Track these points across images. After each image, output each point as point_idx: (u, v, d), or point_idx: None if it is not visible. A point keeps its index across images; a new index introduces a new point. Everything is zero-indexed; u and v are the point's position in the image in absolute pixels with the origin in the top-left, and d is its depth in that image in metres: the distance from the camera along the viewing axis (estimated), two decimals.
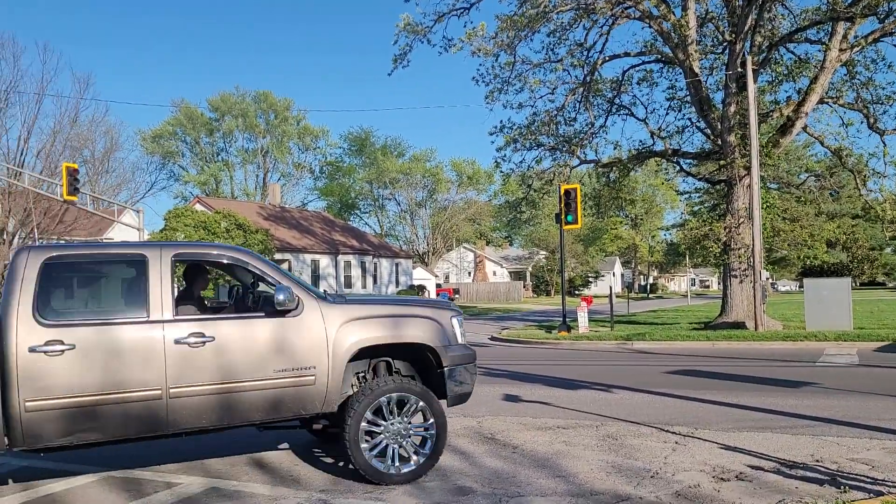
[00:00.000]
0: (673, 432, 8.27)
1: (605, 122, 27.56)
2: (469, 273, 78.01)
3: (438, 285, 67.37)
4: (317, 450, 7.93)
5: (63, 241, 35.89)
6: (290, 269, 43.33)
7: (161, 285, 5.98)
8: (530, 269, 76.31)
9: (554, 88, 26.49)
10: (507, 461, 7.23)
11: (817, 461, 6.88)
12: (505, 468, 6.98)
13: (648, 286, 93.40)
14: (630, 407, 10.05)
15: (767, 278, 21.11)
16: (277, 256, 40.05)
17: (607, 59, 25.98)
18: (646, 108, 27.89)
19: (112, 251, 6.76)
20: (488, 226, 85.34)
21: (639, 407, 10.03)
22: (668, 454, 7.31)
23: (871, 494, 5.65)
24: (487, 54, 25.10)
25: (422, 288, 59.59)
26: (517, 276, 77.41)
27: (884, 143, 25.57)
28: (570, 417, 9.32)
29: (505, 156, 28.44)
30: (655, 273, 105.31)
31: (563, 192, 23.00)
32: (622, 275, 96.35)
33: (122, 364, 5.67)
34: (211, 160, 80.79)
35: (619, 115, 27.97)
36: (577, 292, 68.85)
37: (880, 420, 8.64)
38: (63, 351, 5.49)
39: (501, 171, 30.75)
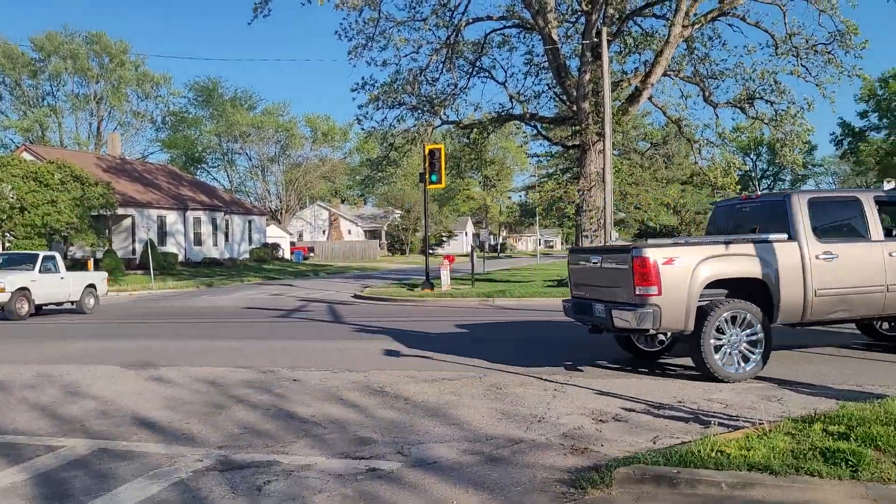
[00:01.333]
0: (551, 381, 8.83)
1: (467, 83, 28.11)
2: (324, 231, 77.13)
3: (293, 243, 66.18)
4: (210, 410, 7.75)
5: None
6: (133, 224, 40.91)
7: (873, 217, 9.22)
8: (385, 227, 76.63)
9: (418, 48, 26.60)
10: (402, 412, 7.45)
11: (680, 402, 7.63)
12: (401, 418, 7.20)
13: (498, 246, 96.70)
14: (506, 357, 10.57)
15: (617, 238, 22.68)
16: (120, 211, 37.61)
17: (471, 21, 26.35)
18: (505, 72, 28.73)
19: (841, 195, 10.10)
20: (343, 184, 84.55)
21: (514, 358, 10.56)
22: (549, 401, 7.82)
23: (730, 429, 6.38)
24: (353, 8, 24.68)
25: (275, 246, 58.28)
26: (372, 234, 77.52)
27: (716, 115, 27.92)
28: (453, 370, 9.69)
29: (367, 113, 28.35)
30: (505, 233, 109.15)
31: (427, 151, 23.28)
32: (475, 234, 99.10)
33: (862, 268, 9.01)
34: (35, 105, 73.49)
35: (479, 78, 28.59)
36: (431, 251, 70.10)
37: None
38: (832, 259, 8.80)
39: (363, 129, 30.60)
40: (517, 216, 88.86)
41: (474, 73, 27.82)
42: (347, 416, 7.35)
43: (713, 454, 5.34)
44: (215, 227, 48.27)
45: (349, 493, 5.16)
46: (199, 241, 46.44)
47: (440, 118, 27.69)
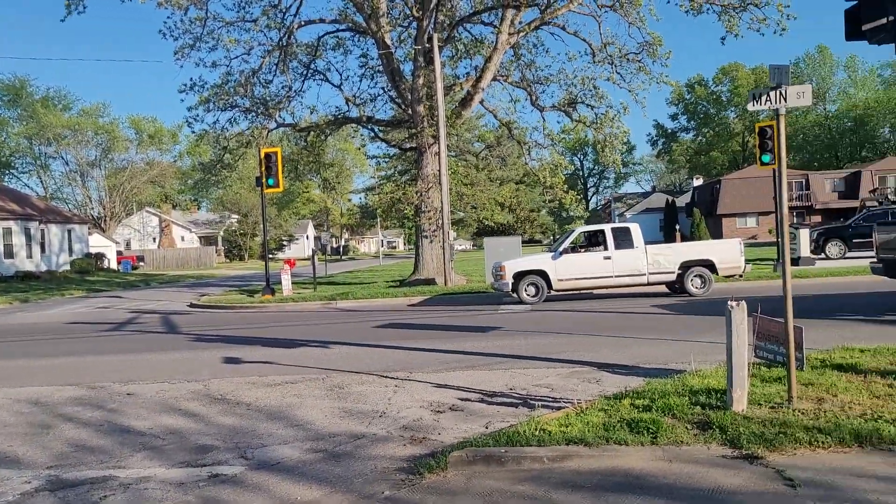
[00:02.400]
0: (392, 378, 9.14)
1: (302, 86, 27.90)
2: (154, 239, 73.10)
3: (120, 252, 62.22)
4: (36, 430, 7.33)
5: None
6: None
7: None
8: (222, 233, 73.88)
9: (249, 49, 26.06)
10: (243, 417, 7.46)
11: (511, 389, 8.21)
12: (242, 424, 7.21)
13: (341, 248, 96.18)
14: (349, 359, 10.77)
15: (455, 238, 23.47)
16: None
17: (303, 23, 26.19)
18: (340, 75, 28.73)
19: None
20: (174, 188, 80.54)
21: (357, 358, 10.79)
22: (390, 396, 8.13)
23: (554, 409, 6.99)
24: (178, 7, 23.76)
25: (100, 256, 54.59)
26: (208, 241, 74.41)
27: (543, 118, 29.54)
28: (296, 373, 9.74)
29: (197, 116, 27.37)
30: (347, 235, 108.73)
31: (263, 155, 22.85)
32: (316, 238, 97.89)
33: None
34: None
35: (314, 80, 28.45)
36: (271, 256, 68.45)
37: (554, 353, 10.42)
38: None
39: (193, 132, 29.45)
40: (358, 218, 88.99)
41: (309, 75, 27.67)
42: (187, 425, 7.26)
43: (537, 433, 5.87)
44: (29, 238, 44.35)
45: (191, 499, 5.18)
46: (9, 253, 42.49)
47: (275, 121, 27.30)
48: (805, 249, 24.88)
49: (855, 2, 6.96)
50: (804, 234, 25.29)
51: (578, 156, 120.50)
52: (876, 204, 45.18)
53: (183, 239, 73.42)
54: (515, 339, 12.06)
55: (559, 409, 6.98)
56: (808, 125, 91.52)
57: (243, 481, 5.53)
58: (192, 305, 23.50)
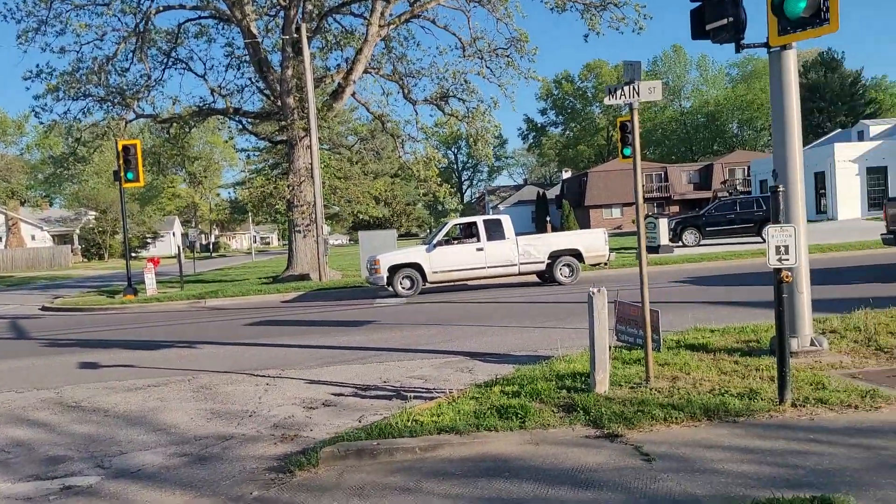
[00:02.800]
0: (263, 376, 8.90)
1: (163, 75, 26.58)
2: (0, 238, 67.43)
3: None
4: None
5: None
6: None
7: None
8: (78, 231, 69.18)
9: (103, 35, 24.51)
10: (101, 425, 7.03)
11: (385, 382, 8.19)
12: (100, 431, 6.79)
13: (211, 245, 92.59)
14: (217, 359, 10.38)
15: (329, 233, 23.09)
16: None
17: (161, 9, 24.87)
18: (204, 65, 27.68)
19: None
20: (22, 184, 74.54)
21: (226, 358, 10.42)
22: (261, 395, 7.91)
23: (427, 400, 7.04)
24: None
25: None
26: (63, 239, 69.50)
27: (416, 111, 29.64)
28: (160, 376, 9.28)
29: (46, 105, 25.48)
30: (217, 231, 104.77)
31: (121, 147, 21.57)
32: (184, 234, 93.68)
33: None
34: None
35: (176, 69, 27.18)
36: (134, 254, 64.86)
37: (428, 344, 10.49)
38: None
39: (41, 122, 27.39)
40: (228, 213, 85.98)
41: (170, 64, 26.37)
42: (37, 436, 6.75)
43: (409, 424, 5.88)
44: None
45: None
46: None
47: (134, 111, 25.84)
48: (664, 238, 26.35)
49: (700, 2, 7.41)
50: (663, 224, 26.77)
51: (453, 150, 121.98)
52: (726, 194, 48.67)
53: (34, 238, 68.08)
54: (390, 331, 12.05)
55: (432, 399, 7.02)
56: (666, 121, 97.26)
57: (99, 491, 5.21)
58: (44, 308, 21.89)
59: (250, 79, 27.72)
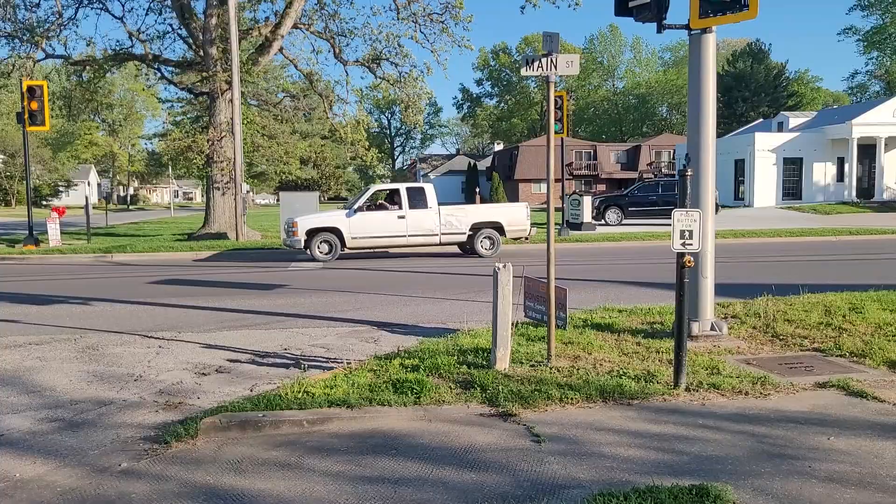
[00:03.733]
0: (157, 338, 8.47)
1: (76, 14, 25.02)
2: None
3: None
4: None
5: None
6: None
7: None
8: None
9: None
10: None
11: (286, 349, 7.90)
12: None
13: (129, 197, 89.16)
14: (112, 318, 9.86)
15: (248, 191, 22.35)
16: None
17: None
18: (123, 6, 26.04)
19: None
20: None
21: (122, 317, 9.91)
22: (151, 358, 7.51)
23: (325, 370, 6.81)
24: None
25: None
26: None
27: (346, 72, 28.91)
28: (45, 333, 8.73)
29: None
30: (137, 184, 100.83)
31: (25, 88, 20.25)
32: (99, 185, 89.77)
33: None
34: None
35: (91, 8, 25.59)
36: (44, 203, 61.76)
37: (337, 312, 10.23)
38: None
39: None
40: (147, 165, 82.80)
41: (84, 2, 24.82)
42: None
43: (300, 395, 5.64)
44: None
45: None
46: None
47: (43, 50, 24.27)
48: (588, 216, 26.68)
49: None
50: (587, 202, 27.09)
51: (386, 115, 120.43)
52: (651, 176, 49.78)
53: None
54: (300, 297, 11.72)
55: (331, 370, 6.80)
56: (599, 100, 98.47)
57: None
58: None
59: (171, 25, 26.40)
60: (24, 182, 61.76)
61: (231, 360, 7.40)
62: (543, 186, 66.49)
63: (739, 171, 41.40)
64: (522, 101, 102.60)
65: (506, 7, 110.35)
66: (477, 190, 67.20)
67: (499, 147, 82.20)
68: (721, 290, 10.95)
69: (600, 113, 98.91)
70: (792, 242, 21.13)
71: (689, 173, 5.87)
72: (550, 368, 6.36)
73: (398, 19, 27.38)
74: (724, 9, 6.96)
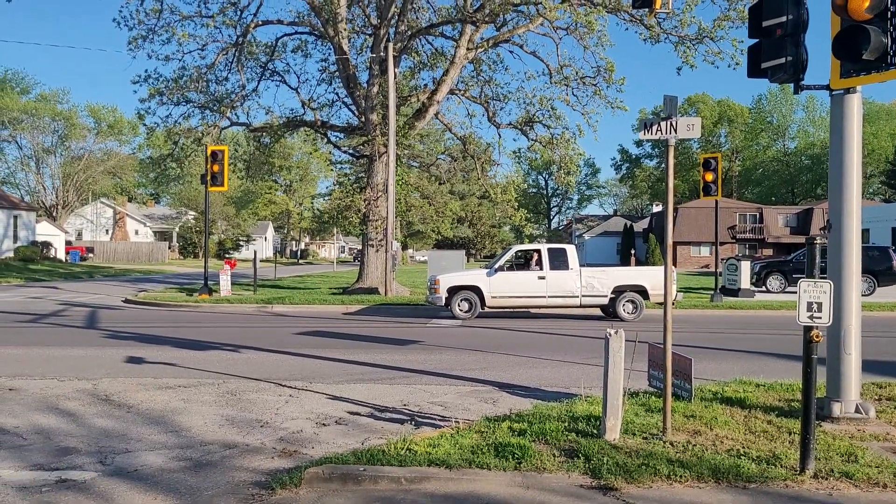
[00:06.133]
0: (290, 386, 8.96)
1: (258, 86, 27.57)
2: (107, 231, 71.61)
3: (69, 242, 60.84)
4: None
5: None
6: None
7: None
8: (177, 229, 72.67)
9: (204, 45, 25.69)
10: (120, 420, 7.21)
11: (405, 405, 8.08)
12: (116, 427, 6.97)
13: (300, 252, 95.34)
14: (255, 365, 10.55)
15: (398, 249, 23.40)
16: None
17: (260, 23, 25.92)
18: (298, 78, 28.64)
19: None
20: (132, 181, 79.04)
21: (264, 365, 10.57)
22: (280, 406, 7.94)
23: (436, 428, 6.88)
24: None
25: (47, 245, 53.32)
26: (163, 236, 73.21)
27: (499, 135, 29.65)
28: (194, 377, 9.49)
29: (149, 108, 26.90)
30: (307, 239, 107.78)
31: (209, 152, 22.53)
32: (278, 240, 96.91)
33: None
34: None
35: (272, 81, 28.18)
36: (227, 255, 67.55)
37: (464, 370, 10.33)
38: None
39: (145, 125, 28.88)
40: (314, 223, 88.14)
41: (266, 75, 27.38)
42: (58, 425, 6.99)
43: (402, 452, 5.74)
44: None
45: None
46: None
47: (228, 119, 26.92)
48: (745, 281, 25.22)
49: (757, 40, 7.04)
50: (745, 267, 25.63)
51: (543, 175, 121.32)
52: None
53: (137, 233, 72.06)
54: (432, 353, 11.95)
55: (447, 427, 6.87)
56: (768, 160, 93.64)
57: (89, 488, 5.31)
58: (126, 301, 22.97)
59: (337, 94, 28.41)
60: (211, 236, 67.78)
61: (351, 413, 7.67)
62: (703, 249, 63.75)
63: None
64: (683, 161, 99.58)
65: (667, 68, 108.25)
66: (632, 251, 65.56)
67: (657, 208, 79.99)
68: (882, 369, 9.98)
69: (769, 174, 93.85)
70: None
71: (819, 241, 5.48)
72: (664, 442, 6.05)
73: (551, 83, 27.77)
74: (868, 68, 6.52)
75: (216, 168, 22.66)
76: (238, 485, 5.41)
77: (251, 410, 7.72)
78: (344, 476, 5.37)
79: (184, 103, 27.20)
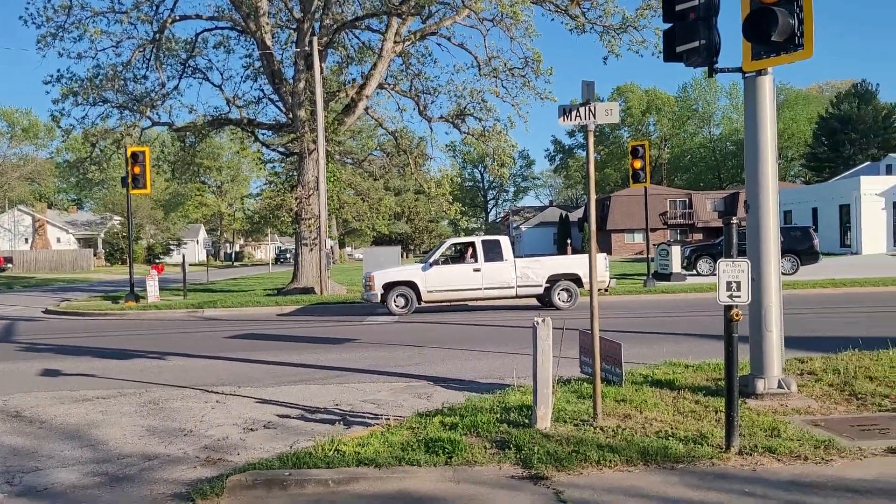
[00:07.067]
0: (217, 392, 8.66)
1: (179, 84, 26.72)
2: (27, 239, 68.55)
3: None
4: None
5: None
6: None
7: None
8: (103, 235, 70.10)
9: (119, 42, 24.73)
10: (30, 437, 6.83)
11: (337, 405, 7.89)
12: (26, 444, 6.59)
13: (234, 254, 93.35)
14: (181, 372, 10.17)
15: (332, 247, 23.07)
16: None
17: (178, 18, 25.10)
18: (222, 75, 27.75)
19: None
20: (52, 187, 75.90)
21: (191, 372, 10.21)
22: (206, 413, 7.66)
23: (367, 427, 6.73)
24: None
25: None
26: (87, 243, 70.50)
27: (431, 129, 29.51)
28: (115, 387, 9.08)
29: (64, 109, 25.77)
30: (242, 241, 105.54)
31: (129, 154, 21.70)
32: (210, 242, 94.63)
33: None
34: None
35: (194, 78, 27.34)
36: (157, 260, 65.52)
37: (398, 367, 10.18)
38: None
39: (60, 127, 27.68)
40: (245, 224, 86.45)
41: (187, 73, 26.55)
42: None
43: (331, 453, 5.58)
44: None
45: None
46: None
47: (149, 118, 26.03)
48: (676, 266, 25.78)
49: (671, 24, 7.10)
50: (676, 252, 26.20)
51: (479, 168, 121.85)
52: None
53: (59, 240, 69.17)
54: (367, 351, 11.77)
55: (377, 425, 6.72)
56: (695, 147, 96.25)
57: None
58: (47, 311, 21.97)
59: (263, 90, 27.77)
60: (138, 242, 65.68)
61: (281, 416, 7.44)
62: (637, 236, 65.12)
63: (845, 217, 39.19)
64: (615, 150, 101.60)
65: (594, 58, 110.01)
66: (569, 241, 66.51)
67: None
68: (804, 344, 10.26)
69: (697, 160, 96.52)
70: None
71: (735, 221, 5.54)
72: (595, 428, 6.04)
73: (480, 75, 27.77)
74: (777, 49, 6.63)
75: (137, 170, 21.81)
76: (156, 498, 5.15)
77: (174, 419, 7.42)
78: (268, 482, 5.17)
79: (101, 103, 26.17)
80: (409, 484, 5.15)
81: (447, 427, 6.20)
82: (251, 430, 6.97)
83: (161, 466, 5.90)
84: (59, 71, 27.96)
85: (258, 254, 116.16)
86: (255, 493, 5.11)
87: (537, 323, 6.08)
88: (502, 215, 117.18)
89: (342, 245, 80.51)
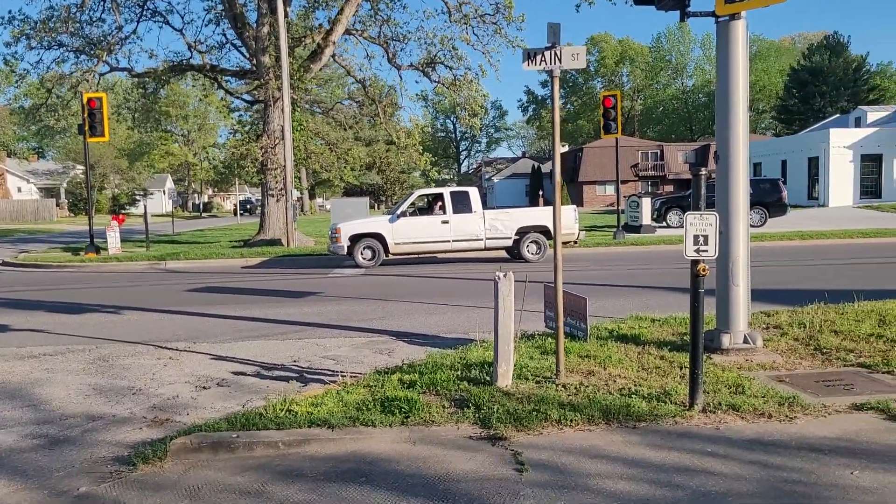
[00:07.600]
0: (170, 348, 8.36)
1: (137, 27, 25.64)
2: None
3: None
4: None
5: None
6: None
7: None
8: (66, 185, 68.32)
9: None
10: None
11: (295, 361, 7.65)
12: None
13: (202, 205, 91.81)
14: (135, 327, 9.84)
15: (299, 197, 22.56)
16: None
17: None
18: (182, 18, 27.01)
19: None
20: (11, 135, 73.54)
21: (144, 327, 9.88)
22: (158, 370, 7.38)
23: (324, 384, 6.50)
24: None
25: None
26: (50, 193, 68.74)
27: (401, 77, 28.93)
28: (64, 343, 8.74)
29: (16, 53, 24.69)
30: (210, 191, 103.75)
31: (85, 100, 20.87)
32: (178, 193, 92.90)
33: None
34: None
35: (153, 21, 26.25)
36: (122, 211, 64.15)
37: (361, 321, 9.95)
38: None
39: (15, 72, 26.55)
40: (212, 173, 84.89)
41: (146, 15, 25.46)
42: None
43: (282, 413, 5.35)
44: None
45: None
46: None
47: (107, 64, 25.00)
48: (647, 218, 25.76)
49: None
50: (646, 204, 26.15)
51: (451, 119, 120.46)
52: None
53: (20, 190, 67.28)
54: (330, 305, 11.51)
55: (333, 383, 6.50)
56: (668, 98, 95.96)
57: None
58: (3, 264, 21.33)
59: (225, 35, 26.80)
60: (103, 191, 64.15)
61: (235, 373, 7.19)
62: (608, 188, 65.15)
63: (813, 170, 39.43)
64: (588, 102, 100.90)
65: (568, 7, 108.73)
66: (541, 193, 66.33)
67: (563, 149, 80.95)
68: (771, 297, 10.22)
69: (669, 112, 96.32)
70: (865, 244, 19.80)
71: (703, 173, 5.31)
72: (557, 386, 5.88)
73: (451, 21, 27.07)
74: None
75: (94, 117, 21.04)
76: (96, 462, 4.90)
77: (124, 377, 7.13)
78: (215, 445, 4.93)
79: (55, 47, 25.09)
80: (363, 445, 4.95)
81: (405, 385, 6.00)
82: (204, 388, 6.71)
83: (105, 428, 5.64)
84: (10, 12, 26.67)
85: (227, 205, 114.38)
86: (201, 456, 4.87)
87: (499, 278, 5.86)
88: (475, 166, 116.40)
89: (312, 196, 79.54)
